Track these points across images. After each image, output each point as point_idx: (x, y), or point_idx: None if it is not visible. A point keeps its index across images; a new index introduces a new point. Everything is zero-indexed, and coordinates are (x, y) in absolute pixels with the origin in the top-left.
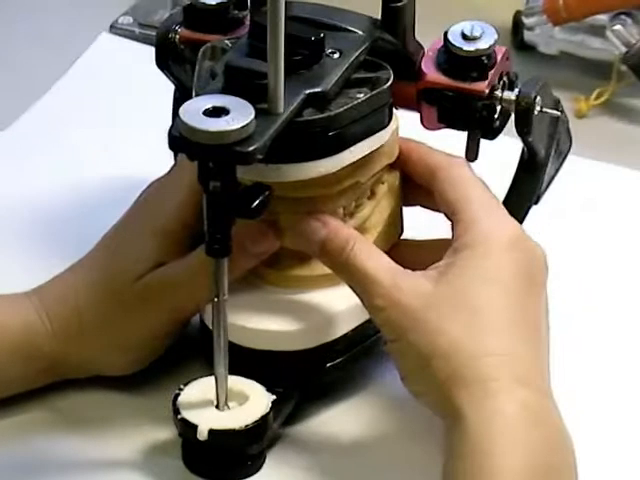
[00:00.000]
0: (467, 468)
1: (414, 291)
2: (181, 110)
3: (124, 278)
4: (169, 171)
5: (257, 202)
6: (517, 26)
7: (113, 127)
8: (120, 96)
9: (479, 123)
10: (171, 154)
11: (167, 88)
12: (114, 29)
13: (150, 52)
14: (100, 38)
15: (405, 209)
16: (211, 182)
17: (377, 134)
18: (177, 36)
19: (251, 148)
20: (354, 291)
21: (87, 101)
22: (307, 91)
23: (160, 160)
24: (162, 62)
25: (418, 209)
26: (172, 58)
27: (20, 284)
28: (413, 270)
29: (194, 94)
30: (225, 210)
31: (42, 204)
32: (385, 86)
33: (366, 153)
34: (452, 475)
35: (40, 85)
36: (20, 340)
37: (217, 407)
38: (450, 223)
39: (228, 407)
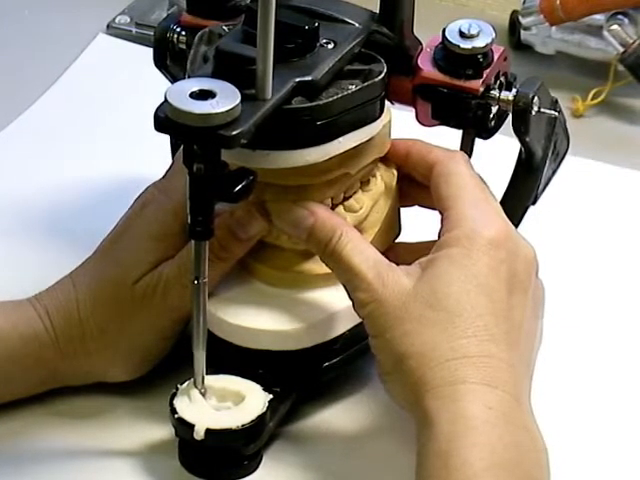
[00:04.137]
0: (432, 468)
1: (396, 287)
2: (168, 91)
3: (122, 283)
4: (165, 174)
5: (240, 187)
6: (514, 26)
7: (111, 127)
8: (118, 97)
9: (473, 122)
10: (169, 153)
11: (164, 89)
12: (111, 29)
13: (147, 53)
14: (97, 39)
15: (404, 210)
16: (195, 164)
17: (367, 126)
18: (175, 35)
19: (235, 132)
20: (341, 281)
21: (85, 102)
22: (297, 79)
23: (158, 160)
24: (160, 61)
25: (417, 210)
26: (170, 57)
27: (19, 284)
28: None
29: (186, 77)
30: (208, 193)
31: (40, 204)
32: (377, 79)
33: (355, 145)
34: (420, 475)
35: (38, 86)
36: (24, 348)
37: (195, 386)
38: (440, 218)
39: (205, 389)
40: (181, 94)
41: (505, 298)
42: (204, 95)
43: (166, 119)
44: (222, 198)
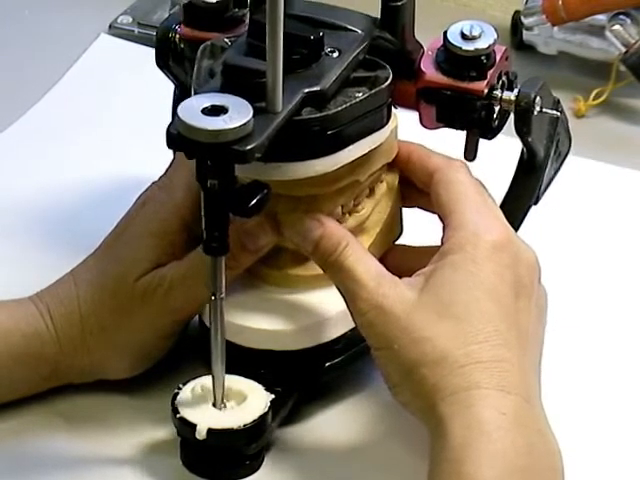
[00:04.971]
0: (444, 475)
1: (399, 298)
2: (179, 108)
3: (123, 280)
4: (165, 172)
5: (255, 201)
6: (516, 26)
7: (113, 128)
8: (119, 97)
9: (477, 123)
10: (170, 154)
11: (166, 89)
12: (113, 29)
13: (149, 53)
14: (99, 39)
15: (406, 211)
16: (209, 180)
17: (376, 133)
18: (177, 35)
19: (249, 147)
20: (341, 292)
21: (87, 102)
22: (306, 90)
23: (160, 160)
24: (162, 61)
25: (418, 211)
26: (172, 57)
27: (19, 284)
28: (409, 276)
29: (193, 92)
30: (223, 208)
31: (42, 205)
32: (384, 85)
33: (365, 152)
34: None
35: (40, 86)
36: (26, 346)
37: (214, 405)
38: (442, 226)
39: (225, 406)
40: (193, 110)
41: (512, 303)
42: (216, 111)
43: (178, 136)
44: (237, 213)
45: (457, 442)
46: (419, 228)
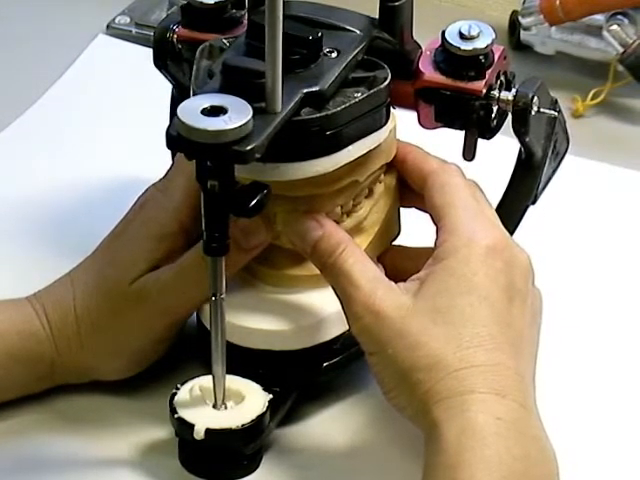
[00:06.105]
0: None
1: (394, 303)
2: (179, 109)
3: (119, 281)
4: (165, 174)
5: (255, 201)
6: (514, 26)
7: (111, 128)
8: (118, 97)
9: (476, 122)
10: (169, 154)
11: (164, 89)
12: (111, 29)
13: (147, 53)
14: (97, 39)
15: (404, 211)
16: (209, 181)
17: (375, 133)
18: (175, 35)
19: (249, 147)
20: (337, 295)
21: (85, 102)
22: (305, 90)
23: (158, 160)
24: (160, 61)
25: (417, 211)
26: (170, 57)
27: (19, 284)
28: (406, 278)
29: (192, 93)
30: (223, 209)
31: (40, 205)
32: (382, 85)
33: (364, 152)
34: None
35: (38, 86)
36: (23, 347)
37: (214, 407)
38: (436, 229)
39: (225, 407)
40: (192, 111)
41: (506, 307)
42: (216, 111)
43: (178, 137)
44: (237, 213)
45: (452, 447)
46: (417, 228)
